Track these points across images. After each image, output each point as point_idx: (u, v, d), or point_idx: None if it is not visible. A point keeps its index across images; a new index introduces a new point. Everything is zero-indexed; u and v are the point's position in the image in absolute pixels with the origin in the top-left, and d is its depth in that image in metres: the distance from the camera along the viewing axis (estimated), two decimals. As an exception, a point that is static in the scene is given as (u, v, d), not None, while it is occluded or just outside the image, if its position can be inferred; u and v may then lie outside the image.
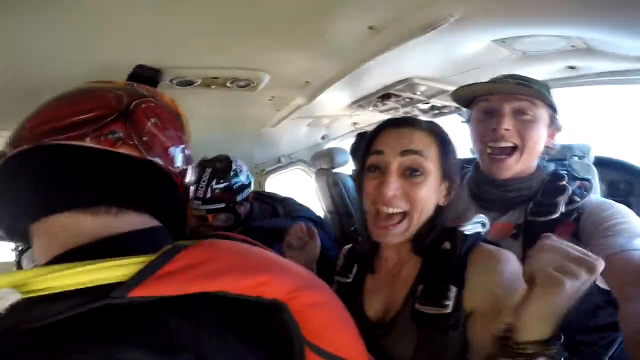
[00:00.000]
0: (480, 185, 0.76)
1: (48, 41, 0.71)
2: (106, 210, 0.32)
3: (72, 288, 0.26)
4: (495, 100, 0.71)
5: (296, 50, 0.87)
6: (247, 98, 1.16)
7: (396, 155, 0.53)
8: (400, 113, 1.52)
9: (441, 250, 0.53)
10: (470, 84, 0.74)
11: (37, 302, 0.26)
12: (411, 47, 0.84)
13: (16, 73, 0.81)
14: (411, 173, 0.53)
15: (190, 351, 0.26)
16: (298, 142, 2.03)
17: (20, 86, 0.82)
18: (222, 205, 0.99)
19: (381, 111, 1.53)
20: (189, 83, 0.92)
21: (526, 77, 0.72)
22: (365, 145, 0.58)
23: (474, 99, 0.76)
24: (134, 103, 0.34)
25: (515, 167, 0.71)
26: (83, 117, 0.32)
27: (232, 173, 1.01)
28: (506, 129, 0.69)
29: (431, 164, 0.53)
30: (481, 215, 0.58)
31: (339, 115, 1.72)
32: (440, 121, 1.59)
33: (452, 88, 1.09)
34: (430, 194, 0.53)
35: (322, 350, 0.32)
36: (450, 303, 0.49)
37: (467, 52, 0.88)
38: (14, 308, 0.26)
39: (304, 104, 1.32)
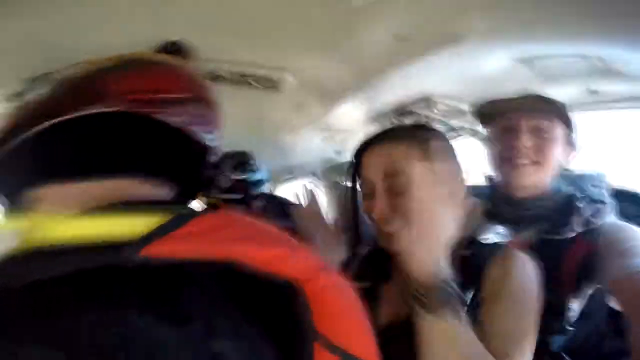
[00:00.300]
0: (495, 204, 0.79)
1: (80, 20, 0.77)
2: (162, 183, 0.34)
3: (80, 240, 0.25)
4: (514, 118, 0.75)
5: (322, 54, 0.93)
6: (269, 100, 1.22)
7: (379, 180, 0.55)
8: (416, 132, 1.56)
9: (461, 257, 0.54)
10: (490, 100, 0.78)
11: (37, 255, 0.25)
12: (432, 62, 0.89)
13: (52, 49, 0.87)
14: (398, 193, 0.54)
15: (201, 322, 0.25)
16: (310, 155, 2.08)
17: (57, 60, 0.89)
18: (239, 196, 1.05)
19: (397, 129, 1.57)
20: (216, 78, 0.98)
21: (544, 96, 0.76)
22: (354, 162, 0.60)
23: (493, 116, 0.80)
24: (209, 89, 0.38)
25: (533, 177, 0.74)
26: (178, 96, 0.35)
27: (251, 167, 1.10)
28: (525, 146, 0.73)
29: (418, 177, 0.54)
30: (499, 227, 0.61)
31: (355, 130, 1.77)
32: (457, 143, 1.63)
33: (469, 108, 1.13)
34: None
35: (335, 346, 0.29)
36: (466, 306, 0.50)
37: (487, 70, 0.92)
38: (10, 261, 0.25)
39: (322, 113, 1.37)
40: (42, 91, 0.34)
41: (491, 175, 0.85)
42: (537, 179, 0.74)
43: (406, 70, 0.96)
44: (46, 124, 0.31)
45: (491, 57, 0.86)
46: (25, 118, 0.32)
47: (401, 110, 1.37)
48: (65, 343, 0.20)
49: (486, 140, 0.85)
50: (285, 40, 0.87)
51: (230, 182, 1.06)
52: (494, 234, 0.59)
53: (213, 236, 0.28)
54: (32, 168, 0.32)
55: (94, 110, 0.32)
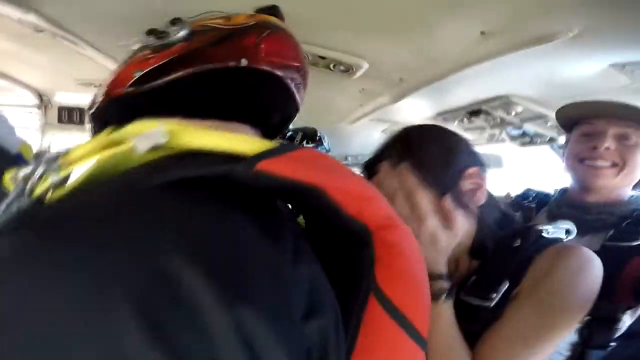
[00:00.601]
0: (560, 206, 0.81)
1: None
2: (261, 133, 0.39)
3: (207, 148, 0.28)
4: (599, 124, 0.76)
5: (400, 43, 0.98)
6: (339, 85, 1.30)
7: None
8: (486, 134, 1.54)
9: (510, 247, 0.53)
10: (578, 102, 0.78)
11: (171, 157, 0.28)
12: (515, 60, 0.89)
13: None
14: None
15: (290, 242, 0.27)
16: (367, 147, 2.13)
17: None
18: None
19: (466, 129, 1.56)
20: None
21: (633, 105, 0.75)
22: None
23: (576, 120, 0.80)
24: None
25: (610, 180, 0.74)
26: (297, 64, 0.40)
27: (318, 137, 1.38)
28: (607, 148, 0.73)
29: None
30: (568, 221, 0.58)
31: (418, 126, 1.78)
32: (530, 151, 1.57)
33: (552, 114, 1.11)
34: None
35: (390, 302, 0.29)
36: (496, 297, 0.49)
37: (578, 74, 0.90)
38: (151, 163, 0.27)
39: (388, 103, 1.42)
40: (178, 36, 0.36)
41: (562, 188, 0.86)
42: (614, 183, 0.73)
43: (486, 68, 0.97)
44: (194, 69, 0.35)
45: (584, 60, 0.85)
46: (170, 60, 0.35)
47: (474, 109, 1.37)
48: (181, 245, 0.21)
49: (565, 143, 0.85)
50: (368, 26, 0.93)
51: None
52: (558, 229, 0.55)
53: (316, 164, 0.30)
54: (166, 102, 0.35)
55: (241, 64, 0.36)
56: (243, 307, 0.21)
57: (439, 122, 1.60)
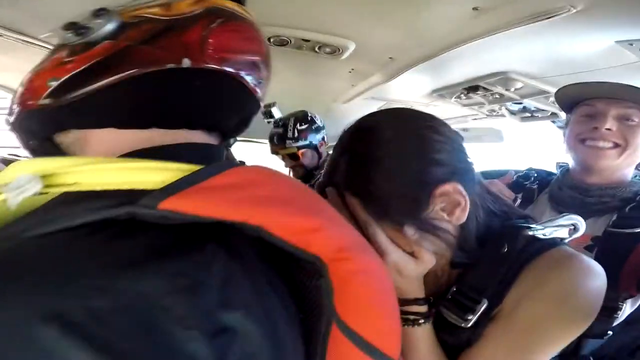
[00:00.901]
0: (561, 187, 0.77)
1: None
2: (217, 133, 0.34)
3: (101, 187, 0.24)
4: (599, 105, 0.72)
5: (388, 22, 0.91)
6: (328, 67, 1.24)
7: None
8: (485, 110, 1.48)
9: (497, 253, 0.46)
10: (577, 83, 0.73)
11: (56, 202, 0.25)
12: (514, 36, 0.82)
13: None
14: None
15: (214, 290, 0.23)
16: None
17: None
18: (308, 142, 1.42)
19: (464, 105, 1.50)
20: (283, 43, 1.02)
21: (634, 85, 0.70)
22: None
23: (576, 101, 0.75)
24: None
25: (611, 161, 0.70)
26: (255, 58, 0.35)
27: (309, 118, 1.45)
28: (608, 129, 0.69)
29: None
30: (574, 216, 0.50)
31: (414, 103, 1.72)
32: (531, 126, 1.51)
33: (553, 90, 1.04)
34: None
35: (352, 331, 0.28)
36: (472, 318, 0.43)
37: (582, 50, 0.84)
38: (40, 208, 0.24)
39: (381, 82, 1.35)
40: (103, 31, 0.30)
41: (563, 163, 0.83)
42: (616, 163, 0.70)
43: (482, 45, 0.90)
44: (122, 75, 0.29)
45: (589, 36, 0.78)
46: (92, 65, 0.29)
47: (471, 85, 1.30)
48: (55, 310, 0.19)
49: (565, 123, 0.81)
50: (351, 4, 0.86)
51: (298, 132, 1.42)
52: (560, 226, 0.48)
53: (248, 192, 0.26)
54: (92, 112, 0.30)
55: (182, 65, 0.30)
56: None
57: (435, 99, 1.53)
